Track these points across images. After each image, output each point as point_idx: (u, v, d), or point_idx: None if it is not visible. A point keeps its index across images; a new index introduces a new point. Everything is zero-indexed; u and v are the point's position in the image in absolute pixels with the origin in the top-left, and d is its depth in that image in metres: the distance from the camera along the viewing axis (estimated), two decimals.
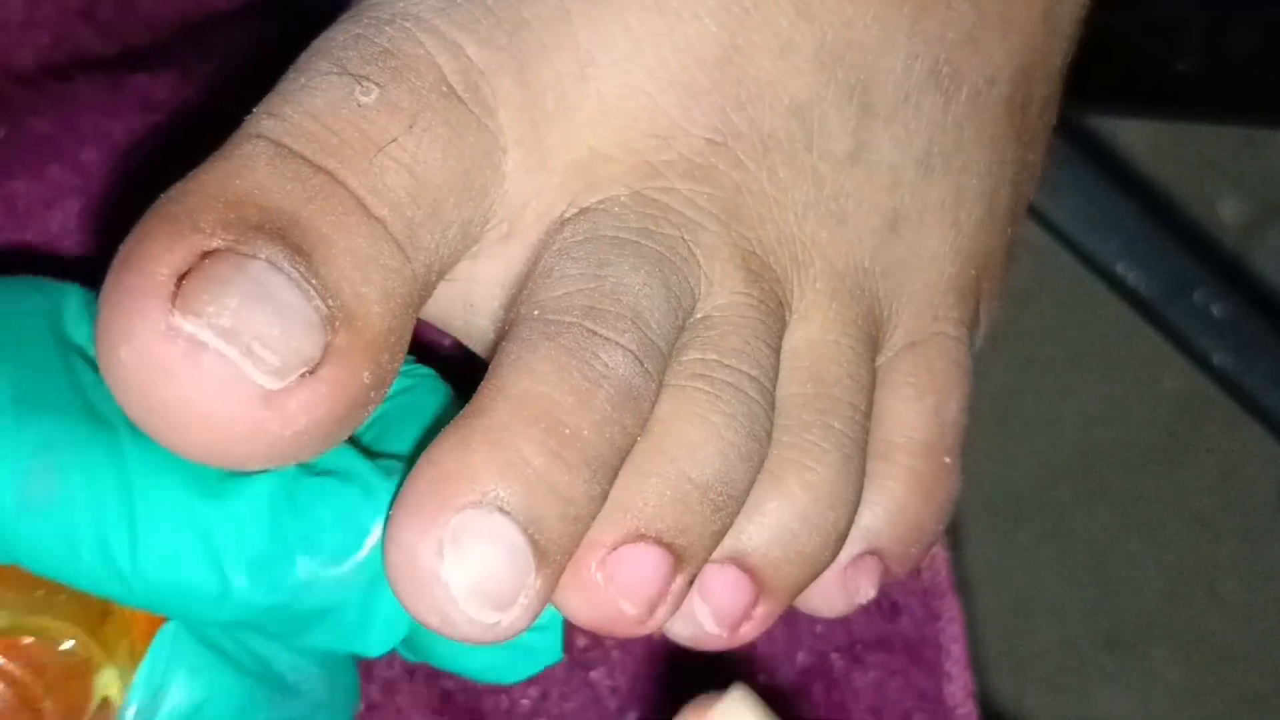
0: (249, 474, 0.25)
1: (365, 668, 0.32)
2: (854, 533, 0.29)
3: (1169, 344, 0.77)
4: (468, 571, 0.24)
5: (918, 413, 0.30)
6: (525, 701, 0.33)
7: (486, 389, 0.25)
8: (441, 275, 0.26)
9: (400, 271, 0.24)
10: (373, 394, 0.24)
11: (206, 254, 0.23)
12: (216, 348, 0.22)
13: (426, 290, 0.25)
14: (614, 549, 0.26)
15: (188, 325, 0.22)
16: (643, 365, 0.26)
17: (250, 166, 0.24)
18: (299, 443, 0.23)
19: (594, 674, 0.33)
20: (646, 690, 0.33)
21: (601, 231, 0.27)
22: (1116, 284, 0.76)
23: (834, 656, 0.35)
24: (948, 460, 0.30)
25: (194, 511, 0.24)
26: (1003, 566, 0.88)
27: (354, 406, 0.24)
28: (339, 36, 0.26)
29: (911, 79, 0.28)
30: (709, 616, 0.28)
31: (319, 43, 0.26)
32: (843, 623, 0.35)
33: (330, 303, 0.23)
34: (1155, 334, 0.77)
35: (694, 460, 0.26)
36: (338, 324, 0.23)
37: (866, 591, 0.30)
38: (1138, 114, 0.74)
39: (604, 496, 0.25)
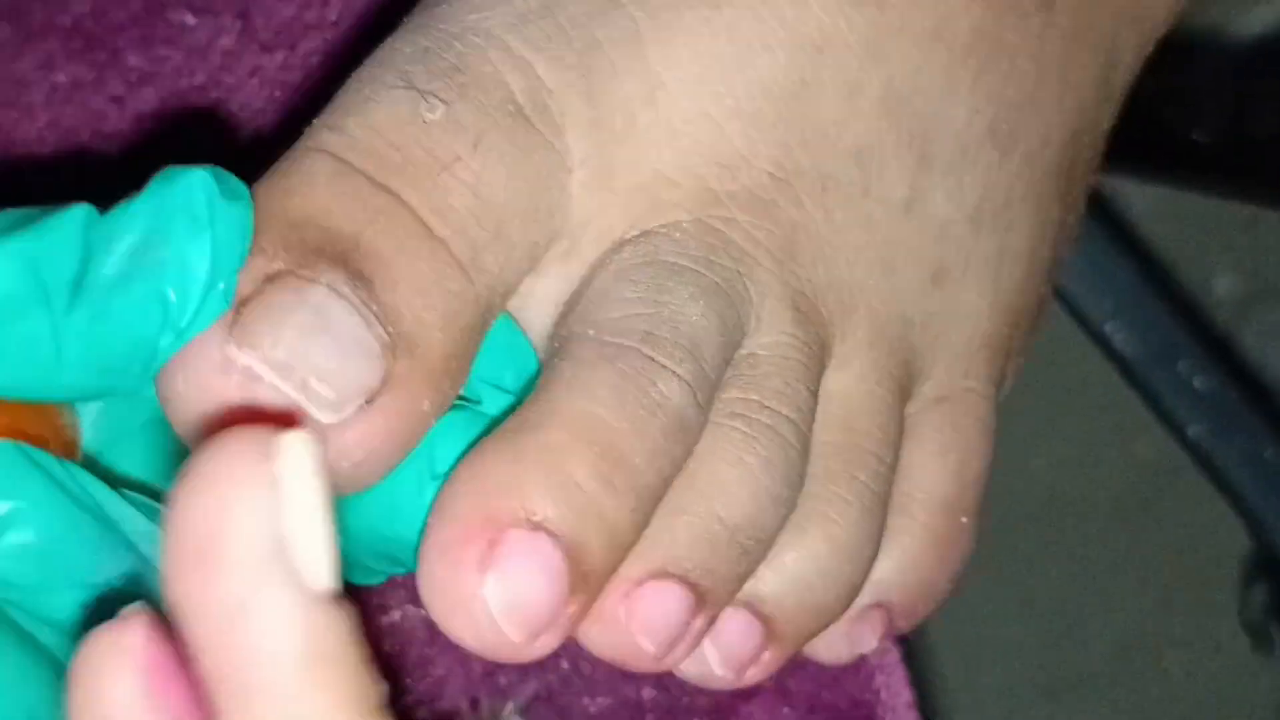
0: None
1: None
2: (865, 584, 0.29)
3: (1147, 409, 0.77)
4: (508, 591, 0.23)
5: (940, 469, 0.30)
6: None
7: (539, 405, 0.24)
8: (507, 297, 0.25)
9: (463, 295, 0.24)
10: (432, 419, 0.24)
11: (266, 277, 0.22)
12: (273, 380, 0.22)
13: (491, 313, 0.25)
14: (639, 584, 0.25)
15: (244, 358, 0.22)
16: (696, 397, 0.25)
17: (311, 184, 0.24)
18: (357, 474, 0.23)
19: None
20: None
21: (662, 256, 0.26)
22: (1103, 342, 0.76)
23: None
24: (965, 520, 0.30)
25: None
26: (954, 606, 0.88)
27: (414, 435, 0.23)
28: (405, 48, 0.26)
29: (971, 133, 0.28)
30: (717, 658, 0.28)
31: (384, 53, 0.26)
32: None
33: (391, 330, 0.23)
34: (1134, 397, 0.77)
35: (726, 502, 0.26)
36: (399, 352, 0.23)
37: (869, 643, 0.30)
38: (1147, 178, 0.74)
39: (645, 525, 0.25)
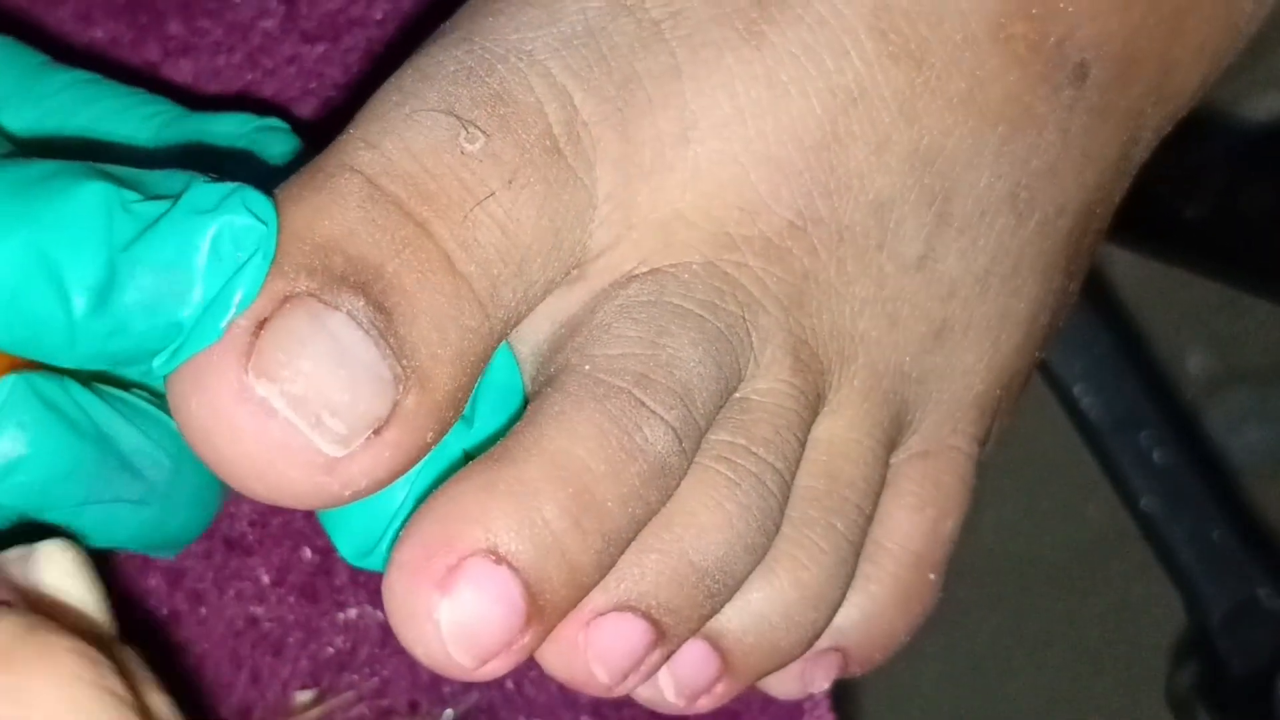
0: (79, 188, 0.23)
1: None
2: None
3: (1103, 474, 0.77)
4: (460, 616, 0.23)
5: (916, 524, 0.30)
6: (330, 650, 0.32)
7: (521, 436, 0.25)
8: (515, 326, 0.25)
9: (478, 331, 0.24)
10: (431, 448, 0.24)
11: (285, 299, 0.23)
12: (286, 416, 0.22)
13: (498, 343, 0.25)
14: (601, 614, 0.25)
15: (260, 389, 0.22)
16: (681, 444, 0.25)
17: (342, 207, 0.24)
18: (356, 497, 0.23)
19: None
20: None
21: (667, 297, 0.26)
22: (1069, 403, 0.76)
23: None
24: (932, 576, 0.30)
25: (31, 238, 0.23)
26: None
27: (410, 465, 0.24)
28: (449, 65, 0.25)
29: (991, 197, 0.28)
30: (671, 686, 0.28)
31: (426, 63, 0.25)
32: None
33: (405, 363, 0.23)
34: (1092, 461, 0.77)
35: (700, 544, 0.26)
36: (409, 386, 0.23)
37: (820, 684, 0.30)
38: (1133, 248, 0.74)
39: (610, 566, 0.25)
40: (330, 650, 0.32)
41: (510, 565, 0.24)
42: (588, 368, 0.25)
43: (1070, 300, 0.32)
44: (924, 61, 0.27)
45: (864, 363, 0.28)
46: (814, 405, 0.28)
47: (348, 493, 0.23)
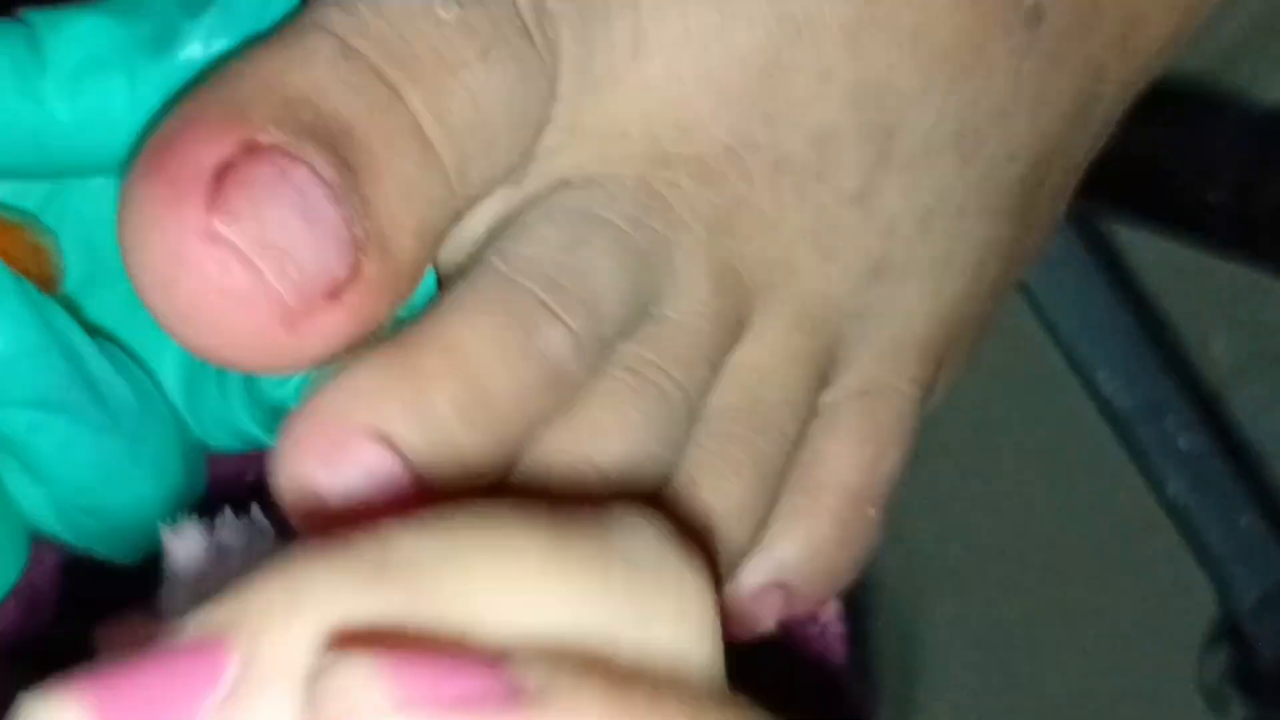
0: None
1: None
2: (766, 563, 0.29)
3: (1129, 462, 0.77)
4: (340, 488, 0.23)
5: (853, 460, 0.30)
6: None
7: (424, 325, 0.24)
8: (471, 208, 0.25)
9: (442, 204, 0.24)
10: (386, 320, 0.24)
11: (250, 148, 0.22)
12: (250, 258, 0.22)
13: (457, 221, 0.25)
14: None
15: (225, 230, 0.22)
16: (581, 352, 0.25)
17: (312, 63, 0.23)
18: (309, 361, 0.23)
19: None
20: None
21: (594, 208, 0.26)
22: (1093, 389, 0.76)
23: None
24: (871, 512, 0.30)
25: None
26: (910, 635, 0.88)
27: (363, 333, 0.23)
28: None
29: (935, 136, 0.28)
30: None
31: None
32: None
33: (367, 225, 0.23)
34: (1118, 449, 0.77)
35: (601, 446, 0.26)
36: (371, 250, 0.23)
37: (765, 623, 0.30)
38: (1156, 231, 0.74)
39: (501, 466, 0.25)
40: None
41: (397, 450, 0.23)
42: (500, 265, 0.25)
43: (1029, 254, 0.32)
44: None
45: (793, 291, 0.28)
46: (734, 330, 0.28)
47: (300, 355, 0.23)
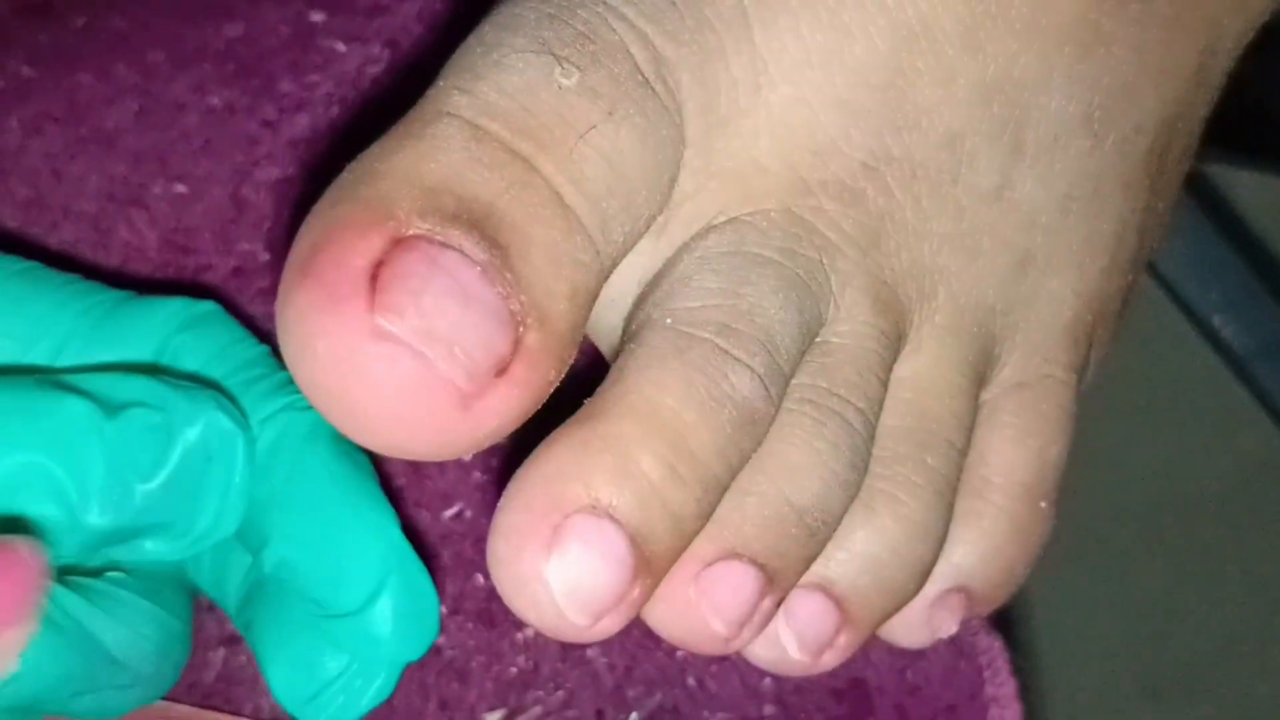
0: (64, 398, 0.25)
1: None
2: (944, 569, 0.29)
3: (1253, 403, 0.75)
4: (570, 574, 0.23)
5: (1020, 454, 0.30)
6: (514, 670, 0.33)
7: (610, 393, 0.25)
8: (618, 264, 0.25)
9: (590, 266, 0.24)
10: (552, 389, 0.24)
11: (399, 241, 0.22)
12: (418, 350, 0.22)
13: (606, 279, 0.25)
14: (709, 565, 0.25)
15: (388, 325, 0.22)
16: (767, 390, 0.25)
17: (445, 149, 0.23)
18: (482, 442, 0.23)
19: (590, 651, 0.33)
20: (646, 671, 0.33)
21: (746, 246, 0.26)
22: (1210, 335, 0.75)
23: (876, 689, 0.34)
24: (1044, 505, 0.30)
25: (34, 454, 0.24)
26: (1053, 604, 0.87)
27: (536, 405, 0.23)
28: (528, 15, 0.25)
29: (1064, 120, 0.28)
30: (793, 641, 0.28)
31: (505, 18, 0.25)
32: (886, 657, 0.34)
33: (523, 299, 0.23)
34: (1241, 391, 0.76)
35: (795, 484, 0.26)
36: (530, 322, 0.23)
37: (949, 627, 0.30)
38: (1259, 168, 0.72)
39: (710, 514, 0.25)
40: (513, 670, 0.32)
41: (614, 519, 0.23)
42: (669, 321, 0.25)
43: (1162, 219, 0.32)
44: None
45: (946, 299, 0.28)
46: (895, 345, 0.28)
47: (479, 434, 0.23)
